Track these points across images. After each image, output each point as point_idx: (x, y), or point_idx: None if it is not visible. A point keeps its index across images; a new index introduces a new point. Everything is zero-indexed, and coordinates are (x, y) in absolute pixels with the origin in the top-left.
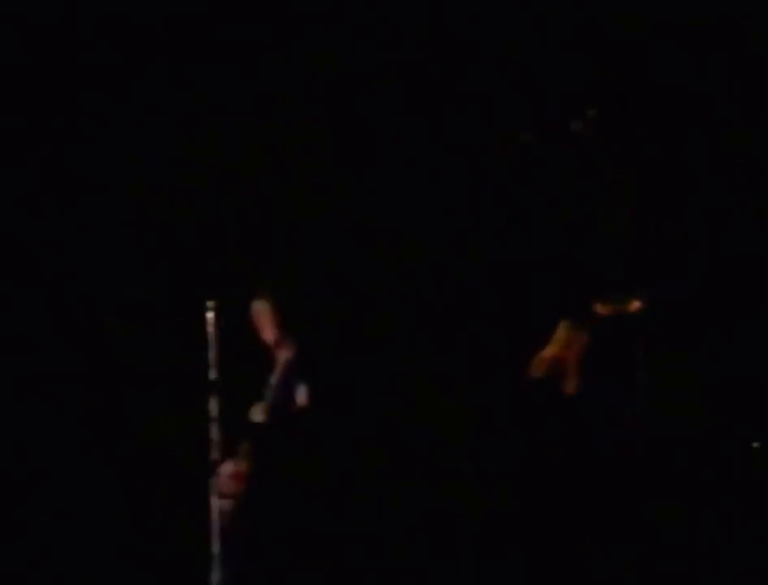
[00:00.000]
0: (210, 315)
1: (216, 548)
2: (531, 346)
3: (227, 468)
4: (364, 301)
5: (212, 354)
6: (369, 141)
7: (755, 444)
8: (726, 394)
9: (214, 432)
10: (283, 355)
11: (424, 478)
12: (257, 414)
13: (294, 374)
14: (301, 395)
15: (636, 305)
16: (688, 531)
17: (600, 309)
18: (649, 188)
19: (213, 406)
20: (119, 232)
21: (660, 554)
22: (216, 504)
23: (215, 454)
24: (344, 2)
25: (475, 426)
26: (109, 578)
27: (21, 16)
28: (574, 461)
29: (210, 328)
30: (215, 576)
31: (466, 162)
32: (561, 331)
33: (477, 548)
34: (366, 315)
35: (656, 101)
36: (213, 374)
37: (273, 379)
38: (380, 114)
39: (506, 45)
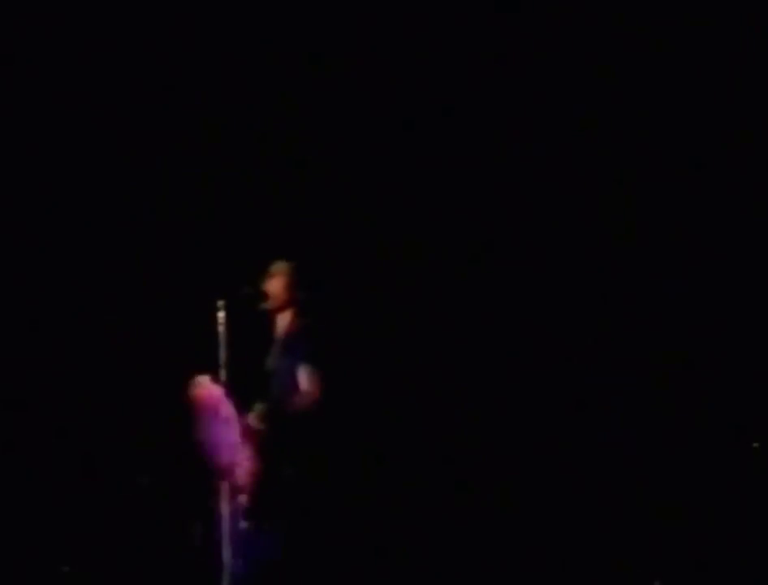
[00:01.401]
0: (221, 314)
1: (225, 551)
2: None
3: (243, 462)
4: (368, 298)
5: (222, 354)
6: (373, 140)
7: (755, 444)
8: (726, 394)
9: None
10: (284, 325)
11: (431, 469)
12: (256, 421)
13: (296, 351)
14: (303, 378)
15: None
16: (688, 531)
17: None
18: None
19: None
20: (128, 231)
21: (660, 554)
22: (225, 507)
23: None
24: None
25: (477, 420)
26: (117, 581)
27: (22, 12)
28: (574, 459)
29: (221, 328)
30: (225, 580)
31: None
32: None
33: (478, 544)
34: (369, 312)
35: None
36: (223, 375)
37: (272, 359)
38: (384, 112)
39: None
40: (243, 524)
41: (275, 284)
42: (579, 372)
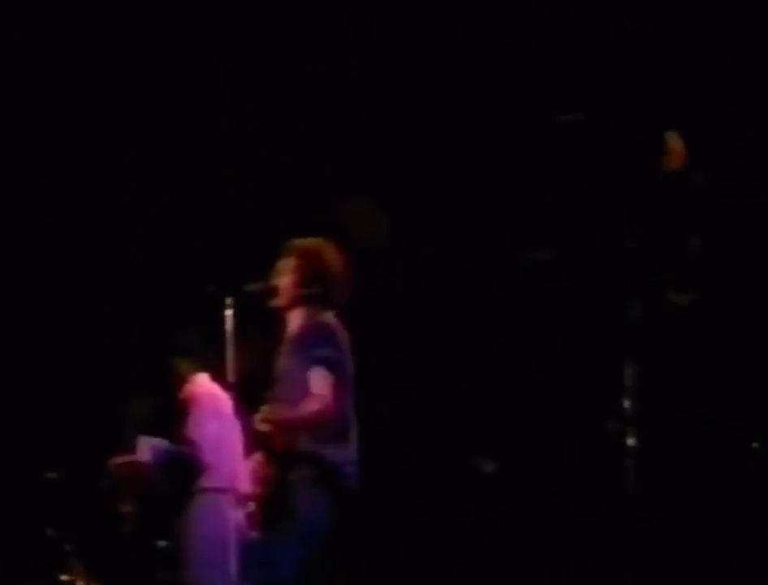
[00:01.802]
0: (229, 312)
1: (234, 561)
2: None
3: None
4: (378, 297)
5: (229, 354)
6: (381, 138)
7: (755, 444)
8: (726, 395)
9: None
10: (294, 323)
11: (442, 473)
12: (262, 424)
13: (306, 351)
14: (313, 380)
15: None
16: (687, 531)
17: None
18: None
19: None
20: (135, 228)
21: (660, 555)
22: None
23: None
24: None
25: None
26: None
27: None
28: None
29: (228, 326)
30: None
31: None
32: None
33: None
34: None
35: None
36: (230, 374)
37: (281, 358)
38: (389, 111)
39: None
40: (252, 535)
41: (284, 280)
42: (580, 372)
